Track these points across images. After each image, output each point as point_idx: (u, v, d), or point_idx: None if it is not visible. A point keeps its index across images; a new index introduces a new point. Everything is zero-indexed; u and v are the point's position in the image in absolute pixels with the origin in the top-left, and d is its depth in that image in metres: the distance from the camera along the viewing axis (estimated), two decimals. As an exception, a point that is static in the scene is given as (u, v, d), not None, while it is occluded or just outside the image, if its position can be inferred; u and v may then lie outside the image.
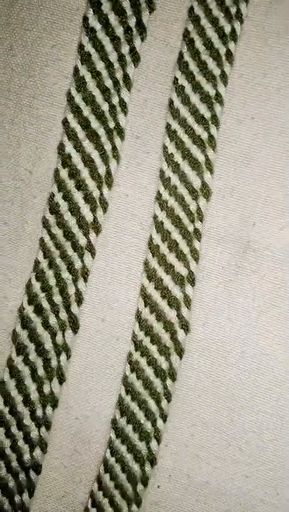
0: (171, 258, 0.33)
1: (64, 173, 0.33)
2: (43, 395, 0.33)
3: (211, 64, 0.32)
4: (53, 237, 0.33)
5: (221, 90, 0.32)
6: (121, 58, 0.33)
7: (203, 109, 0.33)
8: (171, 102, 0.33)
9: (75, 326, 0.33)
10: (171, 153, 0.33)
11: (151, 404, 0.33)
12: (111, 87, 0.33)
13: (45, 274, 0.33)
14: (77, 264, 0.33)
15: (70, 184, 0.33)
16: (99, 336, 0.34)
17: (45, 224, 0.33)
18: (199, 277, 0.33)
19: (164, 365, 0.33)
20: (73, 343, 0.33)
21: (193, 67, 0.33)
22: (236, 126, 0.33)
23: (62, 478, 0.34)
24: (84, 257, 0.33)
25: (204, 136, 0.33)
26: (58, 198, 0.33)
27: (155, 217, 0.33)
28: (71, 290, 0.33)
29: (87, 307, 0.34)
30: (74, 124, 0.33)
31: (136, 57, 0.33)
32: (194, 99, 0.33)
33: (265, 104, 0.32)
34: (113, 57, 0.33)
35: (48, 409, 0.33)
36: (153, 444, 0.33)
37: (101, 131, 0.33)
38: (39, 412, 0.33)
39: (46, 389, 0.33)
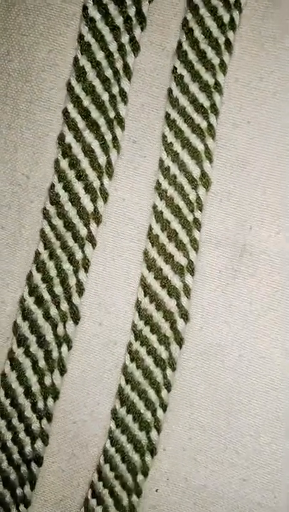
0: (171, 248, 0.33)
1: (64, 164, 0.33)
2: (44, 387, 0.33)
3: (210, 53, 0.33)
4: (53, 227, 0.33)
5: (220, 79, 0.32)
6: (121, 48, 0.33)
7: (202, 98, 0.33)
8: (170, 91, 0.33)
9: (76, 317, 0.33)
10: (171, 143, 0.33)
11: (151, 393, 0.33)
12: (111, 76, 0.33)
13: (45, 265, 0.33)
14: (78, 255, 0.33)
15: (71, 174, 0.33)
16: (96, 340, 0.34)
17: (46, 215, 0.34)
18: (196, 281, 0.33)
19: (164, 355, 0.33)
20: (74, 334, 0.33)
21: (192, 56, 0.33)
22: (232, 131, 0.33)
23: (60, 482, 0.34)
24: (85, 247, 0.33)
25: (203, 125, 0.33)
26: (59, 188, 0.33)
27: (154, 206, 0.33)
28: (72, 281, 0.33)
29: (84, 311, 0.34)
30: (74, 114, 0.33)
31: (136, 47, 0.33)
32: (193, 88, 0.33)
33: (262, 109, 0.33)
34: (113, 46, 0.33)
35: (49, 401, 0.33)
36: (153, 433, 0.33)
37: (101, 121, 0.33)
38: (40, 404, 0.33)
39: (47, 381, 0.33)
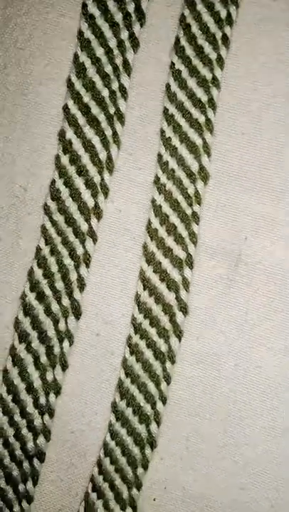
0: (170, 241, 0.33)
1: (65, 160, 0.34)
2: (46, 383, 0.33)
3: (208, 48, 0.33)
4: (54, 223, 0.34)
5: (218, 74, 0.33)
6: (120, 44, 0.33)
7: (200, 93, 0.33)
8: (168, 86, 0.33)
9: (77, 313, 0.33)
10: (169, 137, 0.33)
11: (151, 386, 0.33)
12: (111, 72, 0.33)
13: (47, 261, 0.33)
14: (79, 250, 0.33)
15: (71, 170, 0.34)
16: (94, 350, 0.34)
17: (47, 210, 0.34)
18: (192, 291, 0.33)
19: (163, 348, 0.33)
20: (75, 330, 0.34)
21: (189, 51, 0.33)
22: (227, 141, 0.33)
23: (58, 491, 0.34)
24: (86, 242, 0.33)
25: (201, 119, 0.33)
26: (59, 184, 0.34)
27: (153, 200, 0.33)
28: (73, 276, 0.33)
29: (81, 321, 0.34)
30: (74, 110, 0.34)
31: (135, 43, 0.33)
32: (191, 83, 0.33)
33: (256, 119, 0.33)
34: (112, 43, 0.33)
35: (51, 396, 0.33)
36: (153, 426, 0.33)
37: (101, 117, 0.33)
38: (42, 400, 0.33)
39: (49, 376, 0.33)
